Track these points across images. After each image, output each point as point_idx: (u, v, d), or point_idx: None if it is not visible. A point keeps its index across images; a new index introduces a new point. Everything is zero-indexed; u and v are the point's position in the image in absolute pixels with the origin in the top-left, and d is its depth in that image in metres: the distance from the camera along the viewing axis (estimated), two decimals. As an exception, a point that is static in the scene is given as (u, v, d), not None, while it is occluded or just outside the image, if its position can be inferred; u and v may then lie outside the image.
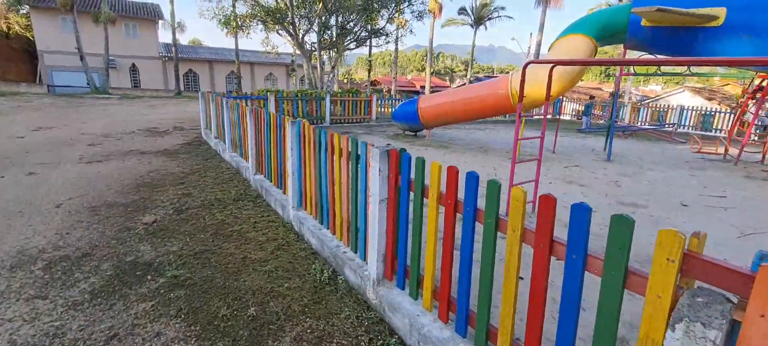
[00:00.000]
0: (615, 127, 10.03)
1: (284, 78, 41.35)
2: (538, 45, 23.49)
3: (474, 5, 28.68)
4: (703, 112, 15.96)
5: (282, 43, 35.86)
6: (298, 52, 17.54)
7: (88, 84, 25.49)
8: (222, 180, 6.66)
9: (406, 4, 16.37)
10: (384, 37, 17.49)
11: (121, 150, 8.75)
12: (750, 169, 8.97)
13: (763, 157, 9.71)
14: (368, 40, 17.09)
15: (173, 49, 30.04)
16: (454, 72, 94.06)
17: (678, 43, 8.53)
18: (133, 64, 32.82)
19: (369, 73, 26.14)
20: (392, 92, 34.86)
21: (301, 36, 16.40)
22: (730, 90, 24.74)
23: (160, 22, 33.43)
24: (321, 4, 15.32)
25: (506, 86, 8.91)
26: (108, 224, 4.56)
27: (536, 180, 5.50)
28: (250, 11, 17.01)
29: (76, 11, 24.34)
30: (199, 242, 4.17)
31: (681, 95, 23.54)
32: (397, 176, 2.86)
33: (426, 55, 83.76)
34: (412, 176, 2.71)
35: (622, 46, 9.91)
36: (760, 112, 10.39)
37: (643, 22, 8.57)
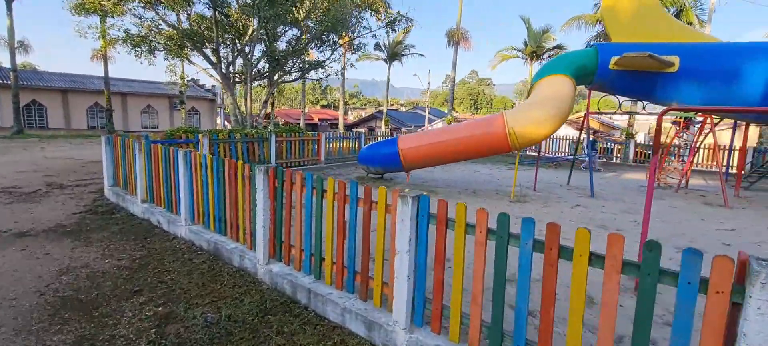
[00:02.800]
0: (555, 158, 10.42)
1: (166, 112, 35.46)
2: (453, 81, 24.89)
3: (387, 42, 29.31)
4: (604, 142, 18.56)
5: (194, 72, 30.82)
6: (216, 81, 14.68)
7: None
8: (202, 275, 4.40)
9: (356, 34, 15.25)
10: (322, 70, 15.88)
11: (-24, 234, 5.41)
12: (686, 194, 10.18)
13: (682, 183, 11.20)
14: (303, 71, 15.28)
15: (11, 74, 22.84)
16: (347, 104, 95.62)
17: (639, 86, 9.29)
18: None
19: (272, 105, 23.65)
20: (301, 125, 32.85)
21: (225, 66, 13.70)
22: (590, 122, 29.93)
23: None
24: (252, 30, 13.10)
25: (502, 125, 8.43)
26: None
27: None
28: (146, 33, 13.64)
29: None
30: None
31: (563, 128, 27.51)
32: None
33: (313, 88, 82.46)
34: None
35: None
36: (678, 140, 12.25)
37: (611, 66, 9.11)
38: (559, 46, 23.95)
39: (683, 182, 10.92)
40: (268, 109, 14.24)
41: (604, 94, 10.17)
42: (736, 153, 12.36)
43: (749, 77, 8.46)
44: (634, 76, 9.08)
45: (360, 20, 14.87)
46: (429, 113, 38.26)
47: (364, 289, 3.49)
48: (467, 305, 2.95)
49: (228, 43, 13.85)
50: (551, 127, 8.32)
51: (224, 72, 13.59)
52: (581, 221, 7.19)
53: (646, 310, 2.08)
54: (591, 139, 12.95)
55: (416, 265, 3.06)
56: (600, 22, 19.88)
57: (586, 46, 21.87)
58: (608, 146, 16.69)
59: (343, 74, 22.43)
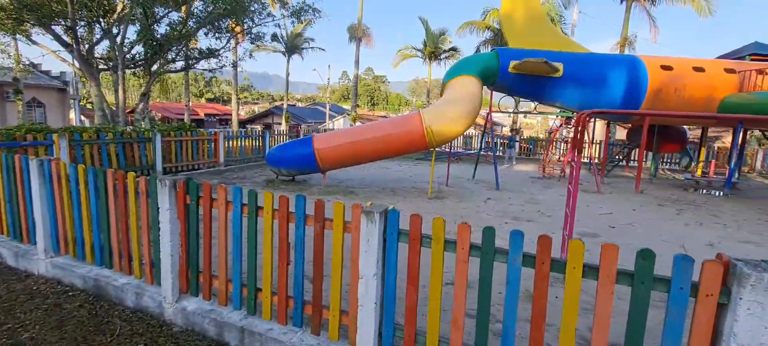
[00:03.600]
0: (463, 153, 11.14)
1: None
2: (356, 77, 24.69)
3: (287, 33, 27.52)
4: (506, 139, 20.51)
5: (37, 55, 23.89)
6: (70, 66, 11.62)
7: None
8: (80, 325, 3.33)
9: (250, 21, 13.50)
10: (215, 60, 13.81)
11: None
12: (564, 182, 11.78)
13: (564, 173, 13.00)
14: (191, 60, 13.05)
15: None
16: (238, 99, 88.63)
17: (533, 88, 10.33)
18: None
19: (147, 97, 20.20)
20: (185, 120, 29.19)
21: (86, 48, 10.82)
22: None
23: None
24: (122, 7, 10.63)
25: (420, 124, 8.48)
26: None
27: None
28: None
29: None
30: None
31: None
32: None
33: (195, 80, 74.59)
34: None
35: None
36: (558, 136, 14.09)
37: (510, 69, 9.94)
38: (454, 49, 25.84)
39: (564, 172, 12.60)
40: (142, 105, 11.86)
41: (503, 94, 11.06)
42: (599, 147, 14.88)
43: (613, 83, 10.07)
44: (528, 79, 10.05)
45: (263, 6, 13.46)
46: (330, 110, 37.61)
47: (316, 321, 2.95)
48: (446, 328, 2.67)
49: (87, 20, 11.09)
50: (465, 124, 8.67)
51: (84, 55, 10.81)
52: (497, 214, 7.62)
53: (640, 317, 2.06)
54: (511, 136, 14.06)
55: (383, 289, 2.67)
56: (488, 29, 21.96)
57: (476, 50, 24.00)
58: (511, 143, 18.07)
59: (235, 66, 20.41)
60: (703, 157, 13.07)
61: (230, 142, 11.82)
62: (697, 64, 10.21)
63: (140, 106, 12.12)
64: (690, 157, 14.46)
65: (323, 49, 30.67)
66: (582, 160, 13.30)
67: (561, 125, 13.39)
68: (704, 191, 10.85)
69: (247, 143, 12.54)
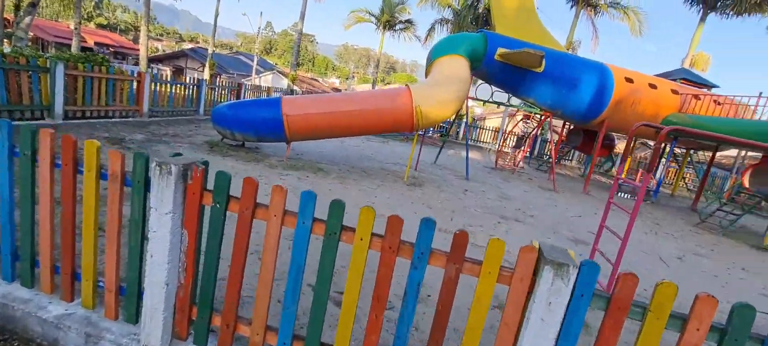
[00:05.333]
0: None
1: None
2: (299, 33, 22.10)
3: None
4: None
5: None
6: None
7: None
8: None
9: None
10: None
11: None
12: (522, 175, 12.07)
13: (515, 165, 13.33)
14: None
15: None
16: (138, 29, 76.56)
17: (514, 80, 10.06)
18: None
19: (35, 7, 14.81)
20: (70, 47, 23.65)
21: None
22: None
23: None
24: None
25: (410, 102, 7.56)
26: None
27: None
28: None
29: None
30: None
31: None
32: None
33: (87, 1, 61.71)
34: None
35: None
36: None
37: (496, 56, 9.49)
38: (409, 21, 24.75)
39: (519, 165, 12.87)
40: (28, 19, 8.57)
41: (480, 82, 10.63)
42: (550, 145, 15.65)
43: (584, 87, 10.29)
44: (511, 70, 9.73)
45: None
46: (257, 63, 33.85)
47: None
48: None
49: None
50: (454, 108, 8.02)
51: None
52: (484, 210, 7.19)
53: None
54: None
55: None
56: (449, 7, 21.37)
57: (431, 28, 23.38)
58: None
59: None
60: (628, 165, 14.56)
61: (157, 87, 9.40)
62: (652, 81, 10.99)
63: (26, 20, 8.84)
64: (612, 163, 16.06)
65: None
66: (525, 156, 13.78)
67: (521, 120, 13.67)
68: (628, 196, 11.97)
69: (177, 91, 10.15)
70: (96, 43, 40.46)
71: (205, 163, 2.16)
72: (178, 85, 10.18)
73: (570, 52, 10.96)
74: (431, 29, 22.73)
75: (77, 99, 7.47)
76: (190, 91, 10.57)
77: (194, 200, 2.06)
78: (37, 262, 2.41)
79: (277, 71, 37.74)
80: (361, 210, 1.89)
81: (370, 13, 24.09)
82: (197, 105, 10.84)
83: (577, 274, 1.68)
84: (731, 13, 17.31)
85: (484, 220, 6.64)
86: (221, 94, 12.19)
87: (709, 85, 13.35)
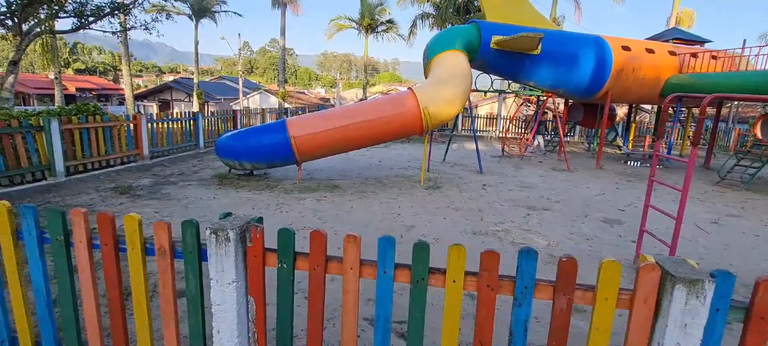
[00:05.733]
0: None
1: None
2: (283, 48, 21.74)
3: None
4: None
5: None
6: None
7: None
8: None
9: None
10: (117, 17, 10.12)
11: None
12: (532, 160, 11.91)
13: (522, 149, 13.17)
14: (85, 17, 9.23)
15: None
16: (118, 70, 75.89)
17: (512, 66, 9.90)
18: None
19: (16, 66, 14.34)
20: (55, 99, 23.29)
21: None
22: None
23: None
24: None
25: (416, 105, 7.38)
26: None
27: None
28: None
29: None
30: None
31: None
32: None
33: (62, 47, 61.17)
34: None
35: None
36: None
37: (492, 45, 9.33)
38: (390, 21, 24.51)
39: (528, 150, 12.70)
40: (11, 77, 8.31)
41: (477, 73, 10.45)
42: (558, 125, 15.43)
43: (583, 62, 10.16)
44: (508, 56, 9.57)
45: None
46: (243, 86, 33.49)
47: None
48: None
49: None
50: (460, 105, 7.84)
51: None
52: (510, 204, 7.02)
53: None
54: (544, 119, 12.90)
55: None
56: (429, 1, 21.21)
57: (412, 24, 23.18)
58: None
59: (124, 24, 16.40)
60: (633, 133, 14.48)
61: (154, 127, 9.13)
62: (648, 46, 10.88)
63: (9, 79, 8.50)
64: (616, 132, 15.98)
65: (240, 15, 26.69)
66: (534, 136, 13.64)
67: (522, 105, 13.53)
68: (639, 164, 11.84)
69: (175, 128, 9.88)
70: (77, 89, 40.00)
71: (260, 220, 1.96)
72: (175, 122, 9.91)
73: (566, 30, 10.81)
74: (413, 26, 22.55)
75: (76, 153, 7.20)
76: (188, 125, 10.30)
77: (257, 264, 1.85)
78: (84, 353, 2.19)
79: (264, 90, 37.40)
80: (451, 250, 1.69)
81: (350, 19, 23.86)
82: (196, 138, 10.57)
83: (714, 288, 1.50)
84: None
85: (512, 214, 6.47)
86: (218, 123, 11.93)
87: (702, 41, 13.29)
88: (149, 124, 8.82)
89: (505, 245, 5.12)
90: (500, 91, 10.88)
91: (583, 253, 5.00)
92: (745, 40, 12.11)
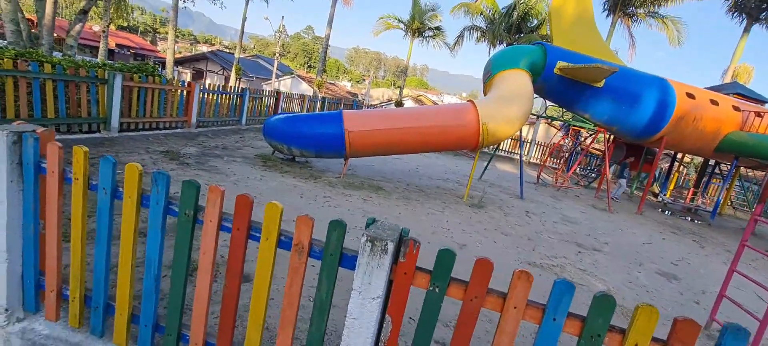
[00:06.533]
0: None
1: None
2: (327, 38, 21.78)
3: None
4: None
5: None
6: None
7: None
8: None
9: None
10: None
11: None
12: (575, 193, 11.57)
13: (556, 180, 12.85)
14: None
15: None
16: (157, 32, 77.31)
17: (572, 94, 9.60)
18: None
19: (85, 15, 14.04)
20: (101, 53, 23.73)
21: None
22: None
23: None
24: None
25: (476, 120, 7.17)
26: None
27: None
28: None
29: None
30: None
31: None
32: None
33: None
34: None
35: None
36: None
37: (556, 70, 9.06)
38: (438, 28, 24.28)
39: (563, 182, 12.37)
40: (79, 26, 8.29)
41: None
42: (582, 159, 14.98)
43: (645, 103, 9.80)
44: (570, 84, 9.28)
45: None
46: (277, 69, 33.67)
47: None
48: None
49: None
50: (520, 126, 7.62)
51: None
52: (558, 238, 6.76)
53: None
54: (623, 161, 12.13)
55: None
56: (481, 15, 20.96)
57: (460, 35, 22.95)
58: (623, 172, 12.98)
59: None
60: (674, 183, 13.98)
61: (205, 97, 9.12)
62: (713, 97, 10.46)
63: (77, 27, 8.58)
64: (655, 178, 15.48)
65: (291, -1, 26.75)
66: (572, 170, 13.27)
67: (565, 136, 13.17)
68: (690, 218, 11.41)
69: (223, 100, 9.87)
70: (117, 46, 40.92)
71: (405, 232, 1.79)
72: (224, 95, 9.88)
73: (630, 67, 10.44)
74: (460, 36, 22.30)
75: (131, 110, 7.20)
76: (234, 100, 10.28)
77: (405, 282, 1.68)
78: (185, 336, 2.06)
79: (297, 76, 37.61)
80: (640, 311, 1.49)
81: (399, 19, 23.69)
82: (240, 114, 10.56)
83: None
84: (779, 24, 16.70)
85: (563, 249, 6.21)
86: (261, 103, 11.91)
87: (763, 100, 12.76)
88: (201, 94, 8.81)
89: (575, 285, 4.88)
90: (552, 119, 10.60)
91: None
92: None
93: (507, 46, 20.59)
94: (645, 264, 6.36)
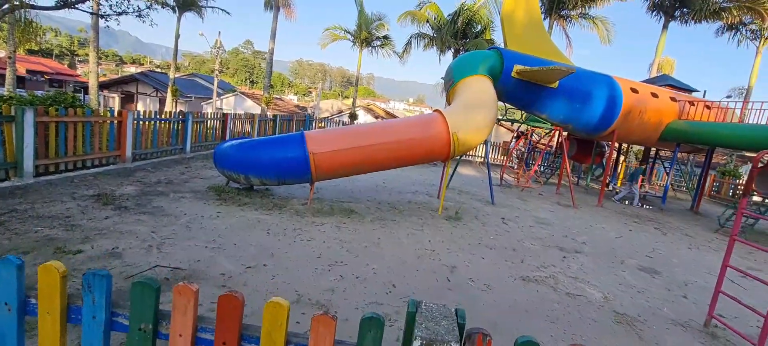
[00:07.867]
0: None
1: None
2: (272, 52, 20.70)
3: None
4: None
5: None
6: None
7: None
8: None
9: None
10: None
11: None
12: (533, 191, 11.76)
13: (517, 180, 13.07)
14: None
15: None
16: (76, 54, 70.60)
17: (528, 97, 9.72)
18: None
19: None
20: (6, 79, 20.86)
21: None
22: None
23: None
24: None
25: (446, 130, 6.89)
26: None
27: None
28: None
29: None
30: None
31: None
32: None
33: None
34: None
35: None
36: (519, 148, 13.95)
37: (514, 73, 9.11)
38: (386, 37, 24.06)
39: (526, 182, 12.57)
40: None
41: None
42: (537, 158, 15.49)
43: (596, 100, 10.18)
44: (527, 87, 9.38)
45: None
46: (217, 86, 31.71)
47: None
48: None
49: None
50: (487, 133, 7.47)
51: None
52: (540, 243, 6.63)
53: None
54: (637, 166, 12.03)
55: None
56: (428, 22, 21.11)
57: (407, 43, 22.96)
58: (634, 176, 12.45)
59: (96, 11, 15.27)
60: (623, 172, 14.82)
61: (140, 126, 8.00)
62: (653, 90, 11.14)
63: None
64: (603, 169, 16.36)
65: (228, 13, 25.29)
66: (528, 169, 13.55)
67: (521, 138, 13.45)
68: (642, 205, 12.04)
69: (162, 127, 8.74)
70: (28, 72, 36.56)
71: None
72: (162, 121, 8.78)
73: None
74: (408, 44, 22.39)
75: (49, 150, 6.04)
76: (176, 126, 9.19)
77: (479, 391, 1.20)
78: None
79: (240, 93, 35.81)
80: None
81: (346, 30, 23.27)
82: (183, 142, 9.47)
83: None
84: (691, 20, 18.53)
85: (549, 256, 6.07)
86: (206, 126, 10.83)
87: (690, 90, 13.92)
88: (136, 122, 7.71)
89: (561, 295, 4.67)
90: (513, 121, 10.78)
91: (644, 309, 4.65)
92: (705, 92, 13.45)
93: (455, 50, 20.94)
94: (626, 261, 6.40)
